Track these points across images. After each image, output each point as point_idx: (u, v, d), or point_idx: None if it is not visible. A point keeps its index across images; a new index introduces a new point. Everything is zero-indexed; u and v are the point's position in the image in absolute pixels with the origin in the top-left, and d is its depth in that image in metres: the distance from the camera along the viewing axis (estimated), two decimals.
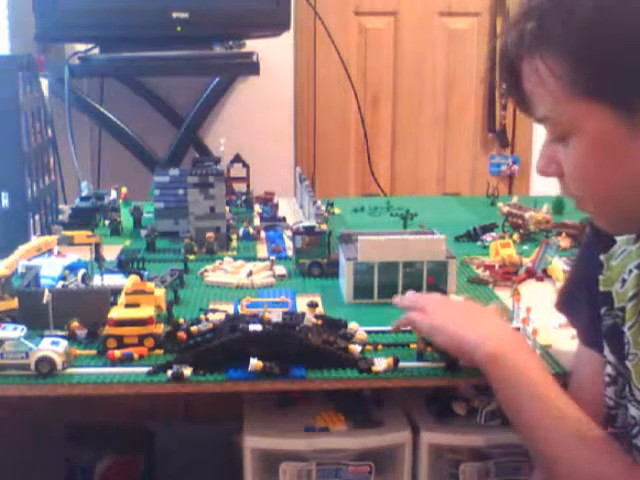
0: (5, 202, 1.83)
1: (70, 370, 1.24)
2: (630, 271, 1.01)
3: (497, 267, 1.71)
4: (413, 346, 1.32)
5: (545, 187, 2.00)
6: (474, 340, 1.14)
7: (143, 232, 1.98)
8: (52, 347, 1.23)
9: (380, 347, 1.33)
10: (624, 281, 1.01)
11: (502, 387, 1.11)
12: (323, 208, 2.02)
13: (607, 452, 1.00)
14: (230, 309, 1.48)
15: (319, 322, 1.35)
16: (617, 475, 0.97)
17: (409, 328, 1.34)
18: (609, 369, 1.05)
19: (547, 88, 0.91)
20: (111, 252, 1.85)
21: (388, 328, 1.39)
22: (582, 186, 0.95)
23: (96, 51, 2.82)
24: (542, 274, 1.70)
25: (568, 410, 1.04)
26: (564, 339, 1.33)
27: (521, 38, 0.91)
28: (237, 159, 2.40)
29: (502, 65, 0.97)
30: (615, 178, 0.92)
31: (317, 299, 1.54)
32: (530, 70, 0.92)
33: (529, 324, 1.31)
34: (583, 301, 1.12)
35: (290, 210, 2.38)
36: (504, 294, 1.57)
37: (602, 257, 1.07)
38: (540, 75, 0.91)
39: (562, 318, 1.39)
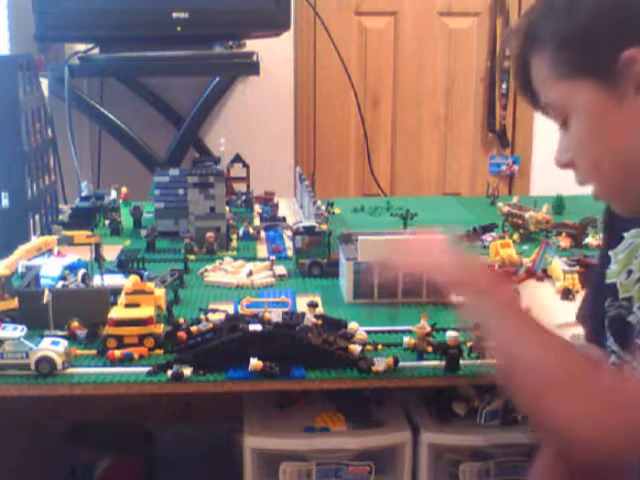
0: (5, 202, 1.83)
1: (70, 370, 1.24)
2: (637, 257, 1.02)
3: (497, 267, 1.71)
4: (411, 342, 1.31)
5: (545, 187, 2.00)
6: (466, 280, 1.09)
7: (143, 232, 1.98)
8: (52, 347, 1.23)
9: (380, 347, 1.33)
10: (630, 272, 1.03)
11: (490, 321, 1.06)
12: (323, 208, 2.02)
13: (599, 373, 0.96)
14: (230, 309, 1.48)
15: (319, 322, 1.35)
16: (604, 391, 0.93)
17: (408, 328, 1.35)
18: (613, 358, 1.07)
19: (543, 77, 0.99)
20: (111, 252, 1.84)
21: (388, 328, 1.39)
22: (588, 165, 0.98)
23: (96, 51, 2.82)
24: (542, 274, 1.70)
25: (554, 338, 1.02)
26: None
27: (523, 40, 1.00)
28: (237, 159, 2.40)
29: (514, 71, 1.05)
30: (614, 149, 0.95)
31: (317, 299, 1.54)
32: (533, 68, 1.00)
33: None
34: (594, 303, 1.13)
35: (290, 210, 2.38)
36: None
37: (610, 252, 1.08)
38: (537, 68, 0.99)
39: (562, 318, 1.40)
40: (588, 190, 1.02)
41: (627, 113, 0.93)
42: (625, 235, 1.07)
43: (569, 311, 1.41)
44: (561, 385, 0.91)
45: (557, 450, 0.95)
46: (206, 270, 1.74)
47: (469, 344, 1.28)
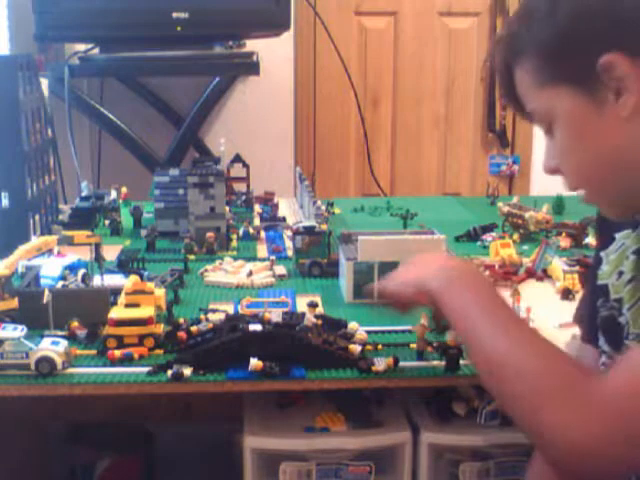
0: (5, 202, 1.83)
1: (70, 370, 1.24)
2: (627, 257, 1.02)
3: (497, 267, 1.71)
4: (413, 346, 1.32)
5: (545, 187, 2.00)
6: (422, 277, 1.11)
7: (143, 232, 1.98)
8: (52, 347, 1.23)
9: (380, 347, 1.33)
10: (621, 273, 1.03)
11: (456, 317, 1.05)
12: (323, 208, 2.02)
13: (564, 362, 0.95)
14: (230, 309, 1.48)
15: (319, 322, 1.35)
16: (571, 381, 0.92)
17: (409, 328, 1.35)
18: (604, 358, 1.07)
19: (525, 85, 0.98)
20: (111, 252, 1.84)
21: (388, 328, 1.39)
22: (572, 172, 0.98)
23: (96, 51, 2.82)
24: (542, 274, 1.70)
25: (521, 325, 1.05)
26: (564, 339, 1.33)
27: (504, 49, 1.00)
28: (237, 159, 2.40)
29: (498, 80, 1.05)
30: (596, 155, 0.95)
31: (317, 299, 1.54)
32: (516, 76, 0.99)
33: (529, 324, 1.31)
34: (591, 304, 1.13)
35: (290, 210, 2.38)
36: (504, 294, 1.57)
37: (602, 253, 1.09)
38: (519, 77, 0.99)
39: (562, 318, 1.40)
40: None
41: (607, 119, 0.92)
42: (616, 236, 1.07)
43: (569, 311, 1.41)
44: (550, 392, 0.89)
45: (548, 460, 0.94)
46: (206, 270, 1.74)
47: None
